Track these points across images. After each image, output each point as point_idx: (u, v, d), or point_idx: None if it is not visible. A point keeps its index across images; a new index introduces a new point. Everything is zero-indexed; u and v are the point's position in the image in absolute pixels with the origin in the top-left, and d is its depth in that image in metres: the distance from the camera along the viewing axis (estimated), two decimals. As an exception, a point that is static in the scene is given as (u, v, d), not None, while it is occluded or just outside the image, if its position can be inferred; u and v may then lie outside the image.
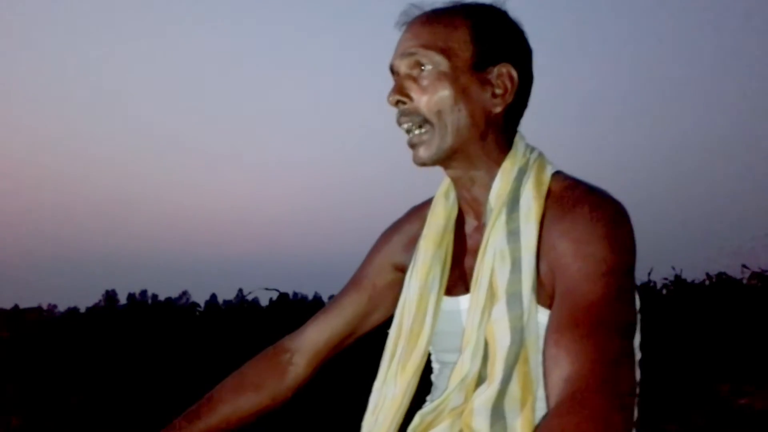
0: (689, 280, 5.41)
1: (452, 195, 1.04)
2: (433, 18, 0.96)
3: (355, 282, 1.13)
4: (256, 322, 5.36)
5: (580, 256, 0.84)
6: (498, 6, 0.98)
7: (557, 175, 0.95)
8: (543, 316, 0.88)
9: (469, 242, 1.01)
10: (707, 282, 5.43)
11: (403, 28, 0.98)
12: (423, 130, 0.94)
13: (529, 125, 1.03)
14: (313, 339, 1.10)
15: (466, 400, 0.90)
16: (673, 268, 5.41)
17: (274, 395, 1.09)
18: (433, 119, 0.93)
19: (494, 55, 0.94)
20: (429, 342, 1.00)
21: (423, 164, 0.96)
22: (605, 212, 0.87)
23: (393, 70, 0.97)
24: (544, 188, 0.93)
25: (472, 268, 0.96)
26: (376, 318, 1.12)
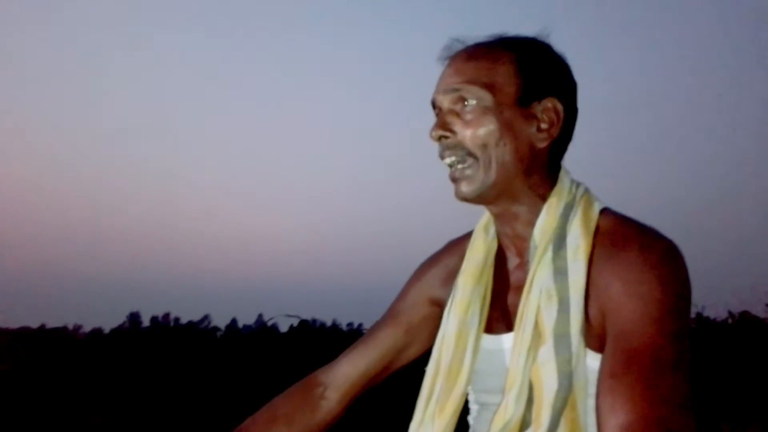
0: (711, 317, 5.34)
1: (492, 229, 1.01)
2: (476, 52, 0.93)
3: (390, 315, 1.09)
4: (275, 348, 5.39)
5: (633, 297, 0.81)
6: (542, 39, 0.96)
7: (605, 211, 0.92)
8: (591, 360, 0.85)
9: (511, 279, 0.97)
10: (730, 320, 5.36)
11: (446, 62, 0.95)
12: (467, 164, 0.91)
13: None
14: (347, 373, 1.07)
15: None
16: (695, 306, 5.35)
17: (305, 430, 1.06)
18: (478, 153, 0.90)
19: (539, 90, 0.92)
20: (468, 381, 0.96)
21: (465, 199, 0.93)
22: (658, 251, 0.84)
23: (435, 105, 0.95)
24: (593, 225, 0.90)
25: (514, 306, 0.93)
26: (411, 353, 1.08)
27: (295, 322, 5.75)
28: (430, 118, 0.97)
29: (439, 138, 0.92)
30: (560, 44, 0.99)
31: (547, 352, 0.85)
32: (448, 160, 0.93)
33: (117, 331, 7.71)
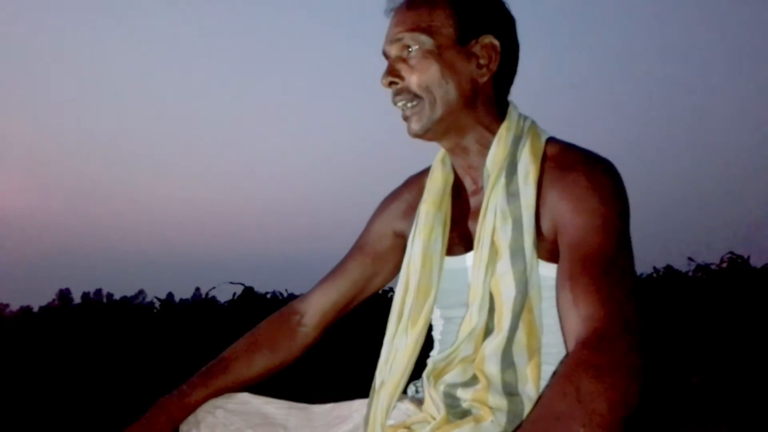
0: (639, 273, 5.58)
1: (448, 161, 1.10)
2: (415, 1, 1.01)
3: (357, 248, 1.19)
4: (216, 319, 5.33)
5: (581, 212, 0.91)
6: None
7: (551, 140, 1.02)
8: (544, 268, 0.95)
9: (469, 204, 1.07)
10: (655, 275, 5.61)
11: (391, 14, 1.03)
12: (415, 103, 1.00)
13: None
14: (321, 302, 1.17)
15: (475, 349, 0.96)
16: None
17: (285, 355, 1.15)
18: (423, 94, 0.99)
19: (476, 28, 1.00)
20: (436, 297, 1.05)
21: (416, 136, 1.01)
22: (600, 171, 0.95)
23: (385, 55, 1.03)
24: (540, 153, 0.99)
25: (472, 229, 1.03)
26: (378, 282, 1.18)
27: (238, 290, 5.70)
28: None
29: (389, 84, 1.00)
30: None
31: (504, 265, 0.94)
32: (399, 104, 1.01)
33: (47, 308, 7.45)
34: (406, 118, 1.01)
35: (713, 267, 5.40)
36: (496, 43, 1.00)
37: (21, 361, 4.97)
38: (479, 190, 1.05)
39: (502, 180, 0.98)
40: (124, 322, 5.83)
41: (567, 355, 0.83)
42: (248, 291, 5.66)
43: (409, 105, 1.00)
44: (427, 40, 0.98)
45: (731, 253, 5.34)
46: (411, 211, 1.14)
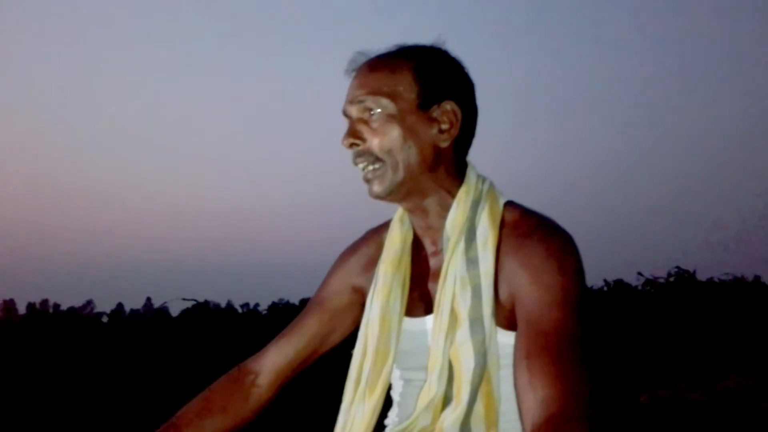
0: (589, 285, 5.70)
1: (407, 220, 1.10)
2: (378, 64, 1.02)
3: (315, 303, 1.17)
4: (167, 332, 5.23)
5: (539, 286, 0.92)
6: (438, 46, 1.04)
7: (509, 204, 1.03)
8: (503, 337, 0.96)
9: (428, 265, 1.07)
10: (605, 288, 5.74)
11: (352, 75, 1.04)
12: (377, 166, 1.00)
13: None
14: (276, 361, 1.14)
15: (434, 420, 0.96)
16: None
17: (238, 417, 1.12)
18: (385, 157, 0.99)
19: (437, 94, 1.01)
20: (394, 362, 1.05)
21: (378, 197, 1.02)
22: (557, 244, 0.96)
23: (346, 115, 1.03)
24: (498, 218, 1.00)
25: (432, 291, 1.03)
26: (335, 338, 1.16)
27: (186, 305, 5.60)
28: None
29: (350, 145, 1.01)
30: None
31: (463, 334, 0.95)
32: (360, 165, 1.02)
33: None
34: (367, 181, 1.02)
35: (661, 280, 5.56)
36: (457, 109, 1.01)
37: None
38: (438, 252, 1.05)
39: (462, 245, 0.99)
40: (72, 335, 5.67)
41: None
42: (197, 306, 5.55)
43: (370, 168, 1.01)
44: (389, 104, 0.99)
45: (678, 267, 5.51)
46: (370, 265, 1.13)
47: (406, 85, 1.00)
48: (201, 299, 5.67)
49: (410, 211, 1.06)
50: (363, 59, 1.04)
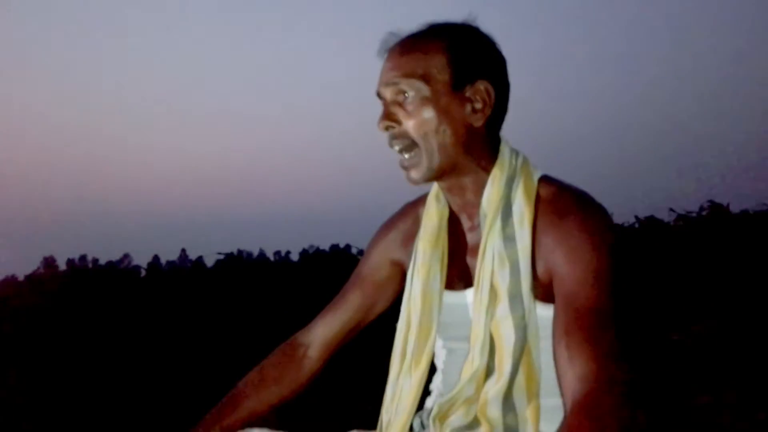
0: (620, 222, 5.65)
1: (443, 198, 1.13)
2: (410, 46, 1.03)
3: (357, 278, 1.23)
4: (204, 283, 5.35)
5: (576, 263, 0.96)
6: (469, 23, 1.05)
7: (543, 179, 1.05)
8: (541, 309, 1.00)
9: (465, 240, 1.10)
10: (636, 225, 5.68)
11: (385, 56, 1.05)
12: (412, 153, 1.02)
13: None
14: (324, 333, 1.21)
15: (477, 390, 1.01)
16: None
17: (293, 387, 1.20)
18: (421, 141, 1.01)
19: (470, 74, 1.02)
20: (436, 334, 1.10)
21: (416, 183, 1.05)
22: (593, 221, 0.99)
23: (380, 96, 1.05)
24: (533, 194, 1.03)
25: (470, 265, 1.07)
26: (377, 310, 1.22)
27: (221, 256, 5.72)
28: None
29: (386, 128, 1.03)
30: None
31: (503, 309, 0.99)
32: (396, 148, 1.04)
33: (32, 276, 7.43)
34: (404, 168, 1.05)
35: (693, 215, 5.47)
36: (490, 88, 1.02)
37: (8, 331, 4.98)
38: (475, 228, 1.08)
39: (498, 223, 1.01)
40: (113, 288, 5.84)
41: (564, 419, 0.89)
42: (230, 257, 5.67)
43: (407, 156, 1.03)
44: (423, 87, 1.00)
45: (711, 201, 5.41)
46: (408, 240, 1.18)
47: (439, 66, 1.01)
48: (234, 249, 5.78)
49: (447, 189, 1.09)
50: (395, 39, 1.05)
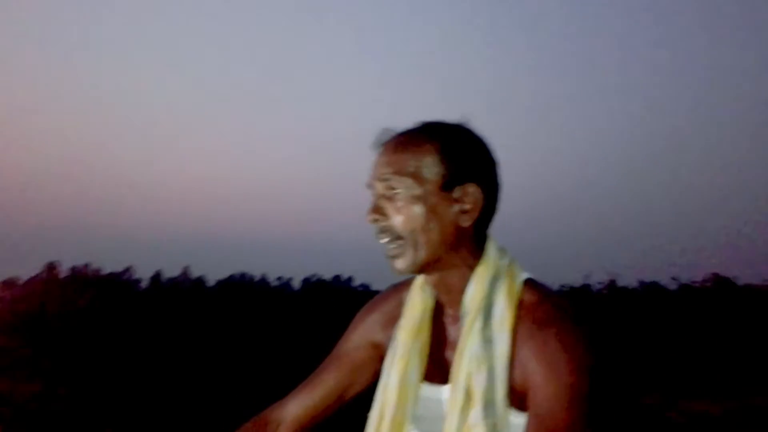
0: (622, 285, 5.65)
1: (428, 288, 1.12)
2: (403, 143, 1.04)
3: (335, 357, 1.21)
4: (202, 302, 5.35)
5: (551, 380, 0.95)
6: (463, 125, 1.06)
7: (528, 284, 1.05)
8: (514, 417, 0.99)
9: (447, 332, 1.10)
10: (640, 289, 5.67)
11: (379, 150, 1.06)
12: (398, 244, 1.03)
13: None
14: (295, 412, 1.18)
15: None
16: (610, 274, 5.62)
17: None
18: (407, 236, 1.02)
19: (460, 176, 1.02)
20: (410, 427, 1.08)
21: (401, 274, 1.04)
22: (573, 338, 0.97)
23: (371, 187, 1.06)
24: (516, 298, 1.02)
25: (449, 360, 1.07)
26: (353, 391, 1.19)
27: (222, 276, 5.71)
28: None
29: (374, 221, 1.04)
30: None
31: (476, 415, 0.99)
32: (382, 241, 1.05)
33: (33, 280, 7.44)
34: (390, 257, 1.05)
35: (696, 285, 5.47)
36: (479, 192, 1.03)
37: (4, 331, 4.96)
38: (458, 319, 1.08)
39: (478, 324, 1.02)
40: (109, 299, 5.83)
41: None
42: (236, 279, 5.67)
43: (392, 246, 1.03)
44: (413, 185, 1.01)
45: (715, 273, 5.42)
46: (389, 323, 1.17)
47: (430, 166, 1.02)
48: (237, 271, 5.78)
49: (432, 282, 1.09)
50: (389, 136, 1.07)
